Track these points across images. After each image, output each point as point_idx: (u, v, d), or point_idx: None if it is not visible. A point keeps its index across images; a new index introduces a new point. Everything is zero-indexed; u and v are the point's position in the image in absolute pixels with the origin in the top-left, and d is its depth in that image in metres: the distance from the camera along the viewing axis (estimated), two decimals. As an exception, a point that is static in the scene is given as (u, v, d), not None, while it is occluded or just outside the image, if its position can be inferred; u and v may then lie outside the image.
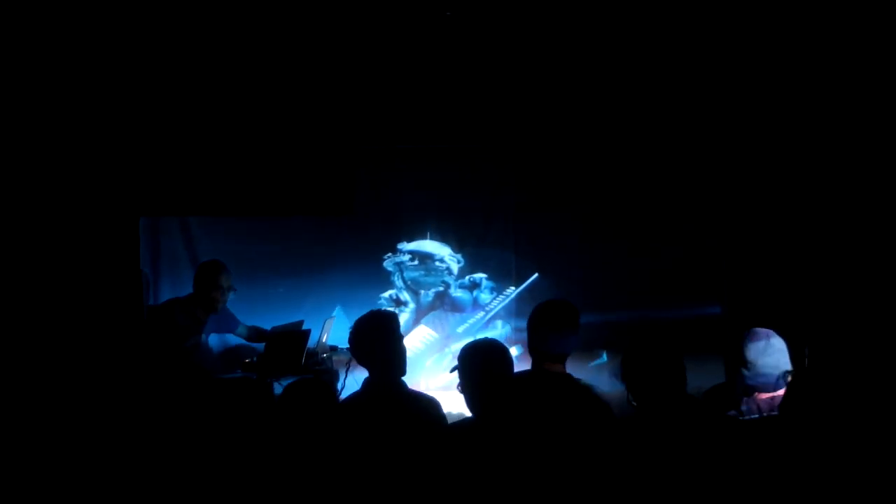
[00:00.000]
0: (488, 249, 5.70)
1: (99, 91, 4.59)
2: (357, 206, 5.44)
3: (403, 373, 3.31)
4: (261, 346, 4.96)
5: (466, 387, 3.03)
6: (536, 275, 5.59)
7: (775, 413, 2.93)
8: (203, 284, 4.80)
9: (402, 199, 5.68)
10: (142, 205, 4.91)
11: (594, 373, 3.60)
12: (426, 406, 3.26)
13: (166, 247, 5.65)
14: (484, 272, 5.71)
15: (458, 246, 5.72)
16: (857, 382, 2.60)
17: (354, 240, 5.66)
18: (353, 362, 4.83)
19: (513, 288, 5.65)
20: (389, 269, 5.73)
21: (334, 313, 5.26)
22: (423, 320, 5.70)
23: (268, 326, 5.03)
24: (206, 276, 4.80)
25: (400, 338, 3.39)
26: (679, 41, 4.71)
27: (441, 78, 4.94)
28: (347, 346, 4.94)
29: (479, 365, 3.02)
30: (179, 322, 4.69)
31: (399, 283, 5.72)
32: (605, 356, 3.86)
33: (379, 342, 3.30)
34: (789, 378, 3.05)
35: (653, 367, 2.83)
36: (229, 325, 5.03)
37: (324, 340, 4.92)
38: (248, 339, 5.10)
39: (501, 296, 5.67)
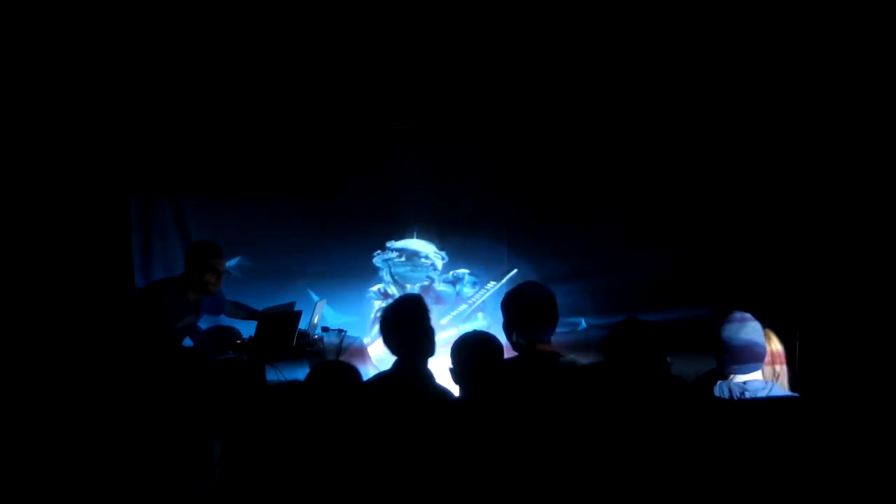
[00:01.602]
0: (480, 241, 5.82)
1: (89, 72, 4.55)
2: (349, 191, 5.35)
3: (430, 354, 3.34)
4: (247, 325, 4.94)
5: (460, 376, 3.19)
6: (515, 270, 5.75)
7: (748, 397, 2.95)
8: (194, 266, 4.66)
9: (394, 185, 5.76)
10: (133, 186, 4.85)
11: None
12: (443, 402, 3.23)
13: (157, 229, 5.68)
14: (475, 264, 5.84)
15: (450, 237, 5.83)
16: (847, 376, 2.63)
17: (346, 226, 5.73)
18: (343, 344, 4.99)
19: (493, 283, 5.79)
20: (378, 265, 5.85)
21: (316, 298, 5.34)
22: (409, 313, 5.81)
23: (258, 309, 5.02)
24: (198, 258, 4.66)
25: (426, 320, 3.37)
26: (680, 39, 4.73)
27: (437, 60, 4.86)
28: (339, 328, 5.12)
29: (473, 355, 3.16)
30: (167, 303, 4.48)
31: (387, 277, 5.86)
32: (583, 322, 3.94)
33: (406, 327, 3.33)
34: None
35: (635, 345, 2.89)
36: (220, 306, 4.98)
37: (315, 322, 4.99)
38: (232, 315, 5.03)
39: (483, 290, 5.82)
